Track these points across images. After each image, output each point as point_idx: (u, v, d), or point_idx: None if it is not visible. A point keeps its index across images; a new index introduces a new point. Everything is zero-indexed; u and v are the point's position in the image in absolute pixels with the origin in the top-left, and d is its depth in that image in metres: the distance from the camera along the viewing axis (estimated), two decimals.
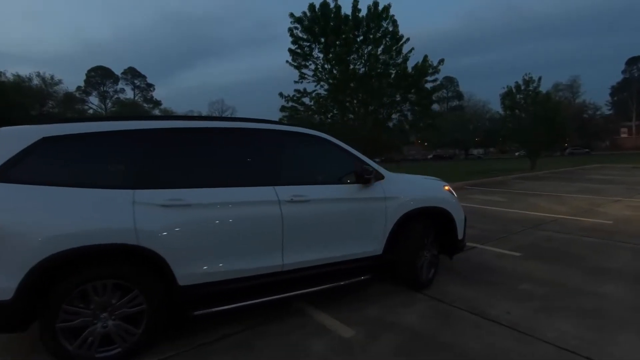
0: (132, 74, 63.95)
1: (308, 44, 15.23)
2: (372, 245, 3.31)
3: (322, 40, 14.80)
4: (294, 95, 15.32)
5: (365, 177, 3.16)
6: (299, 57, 15.41)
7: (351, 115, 15.54)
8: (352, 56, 14.96)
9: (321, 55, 15.30)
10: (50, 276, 2.27)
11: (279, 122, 3.25)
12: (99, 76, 60.97)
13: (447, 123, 50.43)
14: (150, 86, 65.31)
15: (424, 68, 14.16)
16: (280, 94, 15.50)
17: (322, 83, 15.36)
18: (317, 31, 14.80)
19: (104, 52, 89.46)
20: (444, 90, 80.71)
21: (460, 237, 3.88)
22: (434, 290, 3.58)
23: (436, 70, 14.32)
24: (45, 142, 2.42)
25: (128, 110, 41.21)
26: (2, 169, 2.28)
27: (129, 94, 62.83)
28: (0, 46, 70.08)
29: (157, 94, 65.58)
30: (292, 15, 15.23)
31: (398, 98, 15.03)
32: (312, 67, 15.33)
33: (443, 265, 4.21)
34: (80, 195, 2.38)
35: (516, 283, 3.72)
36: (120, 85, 63.25)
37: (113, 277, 2.41)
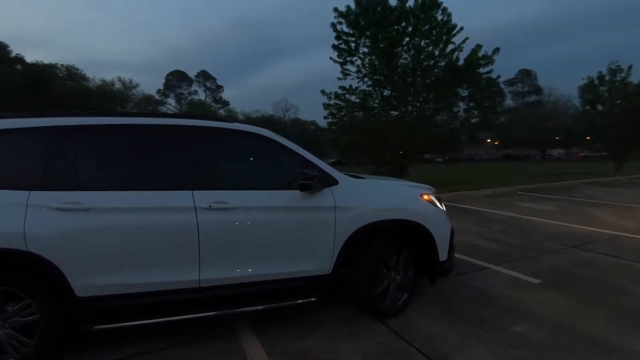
0: (204, 76, 68.72)
1: (353, 39, 14.68)
2: (317, 263, 2.81)
3: (368, 33, 14.10)
4: (336, 92, 14.89)
5: (301, 183, 2.66)
6: (344, 52, 14.89)
7: (394, 112, 14.65)
8: (398, 49, 14.08)
9: (366, 50, 14.65)
10: None
11: (206, 118, 2.86)
12: (175, 79, 66.62)
13: (521, 120, 45.72)
14: (219, 87, 69.57)
15: (475, 59, 12.76)
16: (323, 92, 15.15)
17: (365, 79, 14.74)
18: (362, 25, 14.15)
19: (183, 56, 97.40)
20: (519, 85, 73.74)
21: (443, 257, 3.18)
22: (399, 321, 2.96)
23: (490, 61, 12.84)
24: None
25: (196, 110, 44.22)
26: None
27: (200, 95, 67.63)
28: (100, 55, 80.00)
29: (225, 95, 69.61)
30: (336, 9, 14.72)
31: (446, 93, 13.75)
32: (358, 62, 14.77)
33: (428, 289, 3.53)
34: None
35: (511, 322, 2.92)
36: (194, 87, 68.38)
37: (2, 283, 2.28)
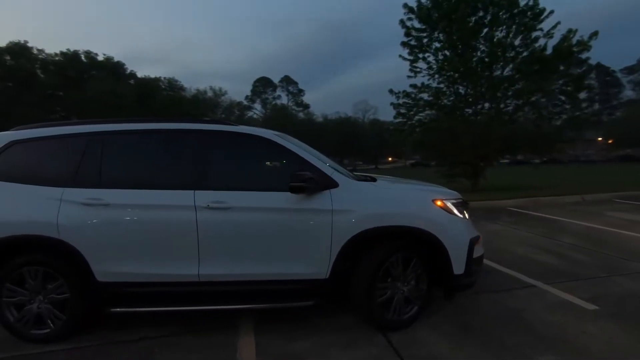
0: (287, 81, 72.26)
1: (425, 34, 14.02)
2: (313, 266, 2.76)
3: (441, 27, 13.32)
4: (404, 91, 14.35)
5: (292, 185, 2.64)
6: (415, 49, 14.28)
7: (469, 110, 13.55)
8: (475, 42, 13.03)
9: (438, 45, 13.86)
10: None
11: (212, 122, 3.01)
12: (261, 85, 71.30)
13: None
14: (301, 91, 72.36)
15: (566, 47, 11.13)
16: (391, 91, 14.75)
17: (437, 76, 13.93)
18: (435, 18, 13.42)
19: (271, 63, 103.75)
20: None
21: (459, 271, 2.85)
22: (403, 336, 2.75)
23: (585, 48, 11.07)
24: (14, 145, 2.92)
25: (278, 114, 46.80)
26: None
27: (283, 99, 71.25)
28: (201, 67, 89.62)
29: (307, 98, 72.13)
30: (405, 5, 14.18)
31: (531, 87, 12.23)
32: (431, 58, 14.05)
33: (450, 304, 3.22)
34: (24, 191, 2.78)
35: (538, 352, 2.49)
36: (278, 92, 72.34)
37: (41, 264, 2.73)
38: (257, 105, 70.07)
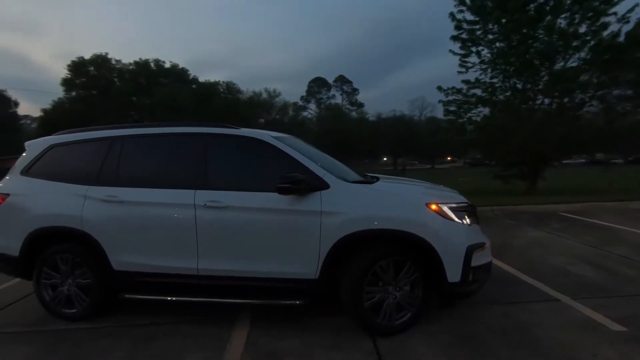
0: (341, 81, 72.42)
1: (478, 26, 13.26)
2: (303, 266, 2.81)
3: (495, 17, 12.49)
4: (453, 87, 13.67)
5: (278, 186, 2.71)
6: (468, 42, 13.55)
7: (524, 106, 12.50)
8: (533, 32, 12.04)
9: (492, 37, 13.02)
10: (35, 244, 3.17)
11: (213, 125, 3.19)
12: (316, 86, 72.27)
13: None
14: (355, 90, 72.15)
15: None
16: (439, 88, 14.15)
17: (489, 70, 13.08)
18: (489, 8, 12.64)
19: (327, 64, 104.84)
20: None
21: (454, 279, 2.71)
22: (391, 343, 2.68)
23: None
24: (56, 148, 3.38)
25: (330, 114, 47.07)
26: (29, 169, 3.36)
27: (338, 99, 71.54)
28: (260, 70, 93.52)
29: (362, 97, 71.73)
30: None
31: (599, 79, 10.97)
32: (484, 51, 13.25)
33: (453, 313, 3.08)
34: (59, 188, 3.20)
35: None
36: (332, 91, 72.81)
37: (70, 252, 3.13)
38: (312, 105, 71.18)
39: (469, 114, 13.81)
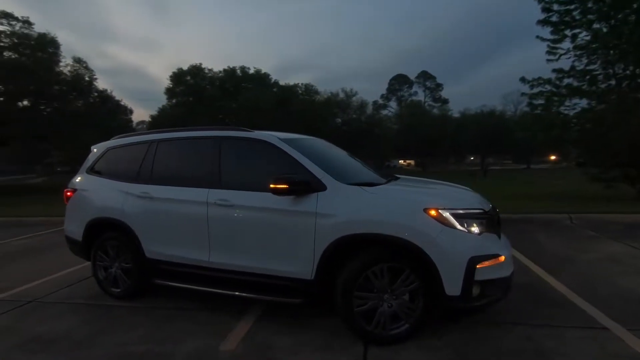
0: (424, 76, 69.37)
1: (573, 6, 11.62)
2: (299, 266, 2.85)
3: None
4: (539, 78, 12.13)
5: (271, 188, 2.78)
6: (561, 26, 11.98)
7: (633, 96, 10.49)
8: None
9: (593, 17, 11.29)
10: (92, 232, 3.78)
11: (227, 128, 3.39)
12: (397, 83, 70.42)
13: None
14: (439, 86, 68.44)
15: None
16: (523, 79, 12.70)
17: (585, 56, 11.31)
18: None
19: (409, 60, 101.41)
20: None
21: (453, 292, 2.47)
22: (383, 352, 2.57)
23: None
24: (110, 151, 3.98)
25: (409, 111, 45.46)
26: (92, 168, 4.02)
27: (420, 95, 68.70)
28: (341, 70, 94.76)
29: (447, 93, 67.83)
30: None
31: None
32: (583, 34, 11.56)
33: (464, 330, 2.82)
34: (110, 184, 3.77)
35: None
36: (414, 88, 70.19)
37: (116, 240, 3.67)
38: (393, 103, 69.57)
39: (561, 107, 12.14)
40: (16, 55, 22.25)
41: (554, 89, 12.13)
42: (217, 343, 2.78)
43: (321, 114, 30.64)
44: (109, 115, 25.00)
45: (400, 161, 65.38)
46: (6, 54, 22.16)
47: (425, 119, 41.60)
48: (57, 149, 28.35)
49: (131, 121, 28.84)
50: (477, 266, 2.51)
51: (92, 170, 4.02)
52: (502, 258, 2.65)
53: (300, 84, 33.69)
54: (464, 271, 2.47)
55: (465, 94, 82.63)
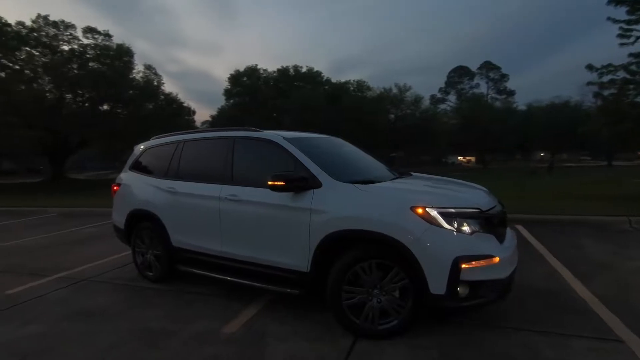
0: (487, 67, 65.01)
1: None
2: (296, 259, 3.01)
3: None
4: (609, 64, 10.88)
5: (269, 184, 2.95)
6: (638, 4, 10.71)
7: None
8: None
9: None
10: (132, 221, 4.30)
11: (238, 129, 3.64)
12: (457, 75, 66.91)
13: None
14: (504, 77, 63.71)
15: None
16: (590, 66, 11.49)
17: None
18: None
19: (470, 51, 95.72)
20: None
21: (438, 290, 2.46)
22: (369, 347, 2.64)
23: None
24: (147, 150, 4.49)
25: (468, 105, 42.96)
26: (133, 165, 4.56)
27: (483, 88, 64.55)
28: (398, 64, 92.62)
29: (513, 83, 63.11)
30: None
31: None
32: None
33: (463, 330, 2.78)
34: (146, 180, 4.25)
35: None
36: (476, 80, 66.12)
37: (148, 229, 4.15)
38: (452, 97, 66.29)
39: (638, 97, 10.80)
40: (99, 65, 25.20)
41: (628, 76, 10.84)
42: (220, 326, 3.05)
43: (372, 110, 30.31)
44: (173, 116, 27.33)
45: (459, 158, 62.19)
46: (91, 64, 25.18)
47: (488, 112, 38.98)
48: (130, 148, 31.71)
49: (194, 121, 31.07)
50: (465, 266, 2.46)
51: (133, 168, 4.56)
52: (496, 259, 2.57)
53: (351, 81, 33.70)
54: (449, 270, 2.45)
55: (533, 85, 75.84)
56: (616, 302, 3.23)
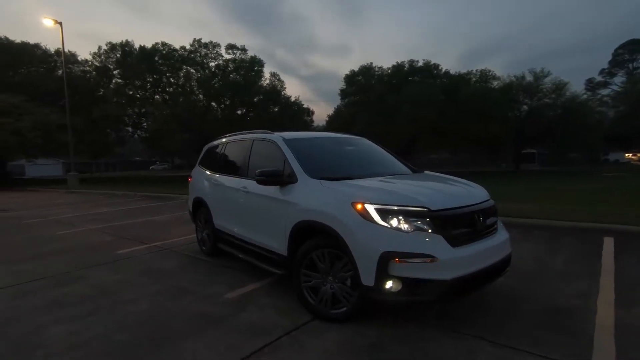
0: None
1: None
2: (279, 243, 3.47)
3: None
4: None
5: (257, 178, 3.48)
6: None
7: None
8: None
9: None
10: (196, 206, 5.45)
11: (258, 131, 4.26)
12: (627, 52, 53.61)
13: None
14: None
15: None
16: None
17: None
18: None
19: None
20: None
21: (367, 282, 2.60)
22: (317, 326, 2.93)
23: None
24: (208, 149, 5.58)
25: (637, 88, 33.99)
26: (200, 161, 5.73)
27: None
28: (546, 48, 79.49)
29: None
30: None
31: None
32: None
33: (407, 326, 2.84)
34: (204, 174, 5.33)
35: None
36: None
37: (203, 214, 5.20)
38: (619, 78, 53.51)
39: None
40: (237, 76, 29.75)
41: None
42: (226, 292, 3.77)
43: (496, 101, 27.17)
44: (294, 118, 30.23)
45: (627, 155, 49.89)
46: (231, 76, 29.92)
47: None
48: None
49: (312, 121, 33.63)
50: (396, 261, 2.54)
51: (199, 164, 5.73)
52: (436, 260, 2.53)
53: (474, 71, 30.87)
54: (376, 264, 2.56)
55: None
56: (633, 334, 2.65)
